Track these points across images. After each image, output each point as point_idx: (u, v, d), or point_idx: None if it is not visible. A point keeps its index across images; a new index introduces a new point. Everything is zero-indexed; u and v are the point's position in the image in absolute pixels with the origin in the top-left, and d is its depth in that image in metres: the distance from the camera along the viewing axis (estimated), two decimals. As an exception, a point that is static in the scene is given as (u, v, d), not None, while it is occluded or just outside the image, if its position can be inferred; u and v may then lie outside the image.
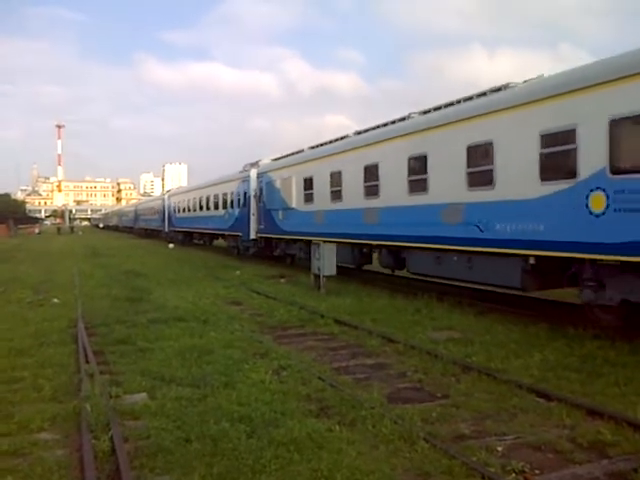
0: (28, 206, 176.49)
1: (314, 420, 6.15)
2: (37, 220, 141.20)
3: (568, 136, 10.13)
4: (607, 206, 9.39)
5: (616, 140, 9.30)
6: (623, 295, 9.57)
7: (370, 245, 17.28)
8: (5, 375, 8.14)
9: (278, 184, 24.02)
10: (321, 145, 21.78)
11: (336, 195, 18.77)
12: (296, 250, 22.79)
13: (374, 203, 16.51)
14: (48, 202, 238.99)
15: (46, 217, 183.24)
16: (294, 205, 22.33)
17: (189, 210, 43.19)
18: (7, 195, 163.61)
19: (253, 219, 27.29)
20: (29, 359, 9.03)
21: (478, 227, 12.28)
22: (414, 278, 15.90)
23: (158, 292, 16.43)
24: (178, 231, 47.39)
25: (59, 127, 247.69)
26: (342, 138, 20.11)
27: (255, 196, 27.07)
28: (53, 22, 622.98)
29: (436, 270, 14.28)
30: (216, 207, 34.65)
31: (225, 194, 32.54)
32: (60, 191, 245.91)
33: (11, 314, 13.33)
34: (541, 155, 10.72)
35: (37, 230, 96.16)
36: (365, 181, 16.96)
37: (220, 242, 37.53)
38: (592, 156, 9.67)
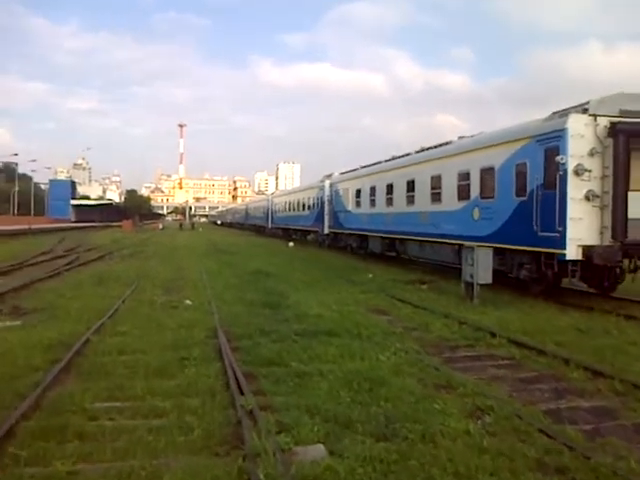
0: (152, 202, 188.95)
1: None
2: (160, 216, 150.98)
3: (467, 175, 17.85)
4: (480, 216, 17.01)
5: (483, 179, 17.00)
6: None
7: (394, 239, 24.79)
8: (143, 405, 6.72)
9: (341, 192, 32.96)
10: (366, 167, 30.63)
11: (372, 203, 27.06)
12: (352, 241, 31.54)
13: (391, 210, 24.46)
14: (170, 199, 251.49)
15: (167, 213, 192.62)
16: (350, 208, 30.90)
17: (285, 210, 52.24)
18: (134, 191, 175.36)
19: (327, 218, 35.95)
20: (170, 382, 7.73)
21: (434, 226, 19.85)
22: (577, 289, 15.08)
23: (295, 296, 15.37)
24: (278, 228, 56.31)
25: (181, 126, 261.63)
26: (375, 164, 29.21)
27: (328, 201, 35.73)
28: (180, 27, 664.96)
29: (420, 254, 22.20)
30: (303, 208, 43.80)
31: (309, 198, 41.66)
32: (181, 188, 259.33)
33: (145, 318, 12.31)
34: (458, 185, 18.38)
35: (161, 226, 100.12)
36: (386, 194, 25.06)
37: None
38: (475, 187, 17.39)
